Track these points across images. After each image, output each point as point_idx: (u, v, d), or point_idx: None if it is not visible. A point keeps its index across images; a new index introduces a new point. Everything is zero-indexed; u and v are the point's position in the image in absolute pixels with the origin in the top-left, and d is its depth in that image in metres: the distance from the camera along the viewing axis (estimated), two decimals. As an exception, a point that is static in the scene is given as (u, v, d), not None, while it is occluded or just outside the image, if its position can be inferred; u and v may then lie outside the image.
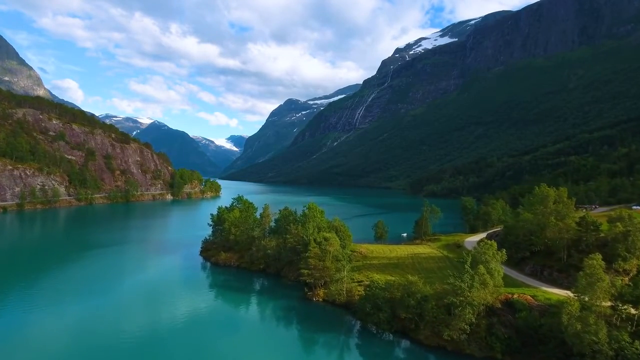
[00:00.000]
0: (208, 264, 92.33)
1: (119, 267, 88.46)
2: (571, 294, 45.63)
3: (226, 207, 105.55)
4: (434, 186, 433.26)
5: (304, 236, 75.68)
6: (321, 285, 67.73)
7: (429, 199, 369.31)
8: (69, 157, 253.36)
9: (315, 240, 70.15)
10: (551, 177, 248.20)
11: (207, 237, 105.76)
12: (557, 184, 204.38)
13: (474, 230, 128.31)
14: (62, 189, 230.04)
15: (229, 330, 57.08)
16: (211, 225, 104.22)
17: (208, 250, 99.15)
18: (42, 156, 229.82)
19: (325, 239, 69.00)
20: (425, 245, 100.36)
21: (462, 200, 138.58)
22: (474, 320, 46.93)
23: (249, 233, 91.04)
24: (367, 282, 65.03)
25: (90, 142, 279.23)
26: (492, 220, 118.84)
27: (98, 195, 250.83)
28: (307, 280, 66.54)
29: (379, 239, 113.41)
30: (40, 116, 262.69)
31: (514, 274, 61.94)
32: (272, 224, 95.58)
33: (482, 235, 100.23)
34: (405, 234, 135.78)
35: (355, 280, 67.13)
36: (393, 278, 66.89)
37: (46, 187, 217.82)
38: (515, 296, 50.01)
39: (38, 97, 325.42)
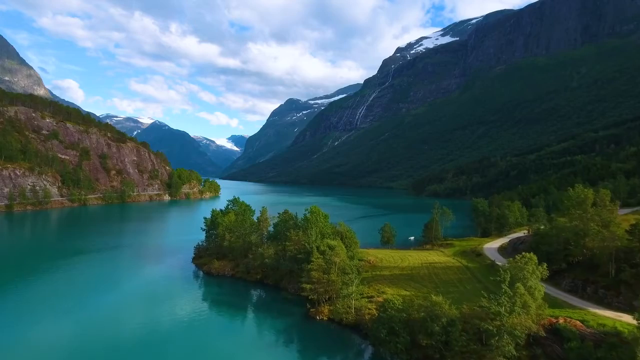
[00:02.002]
0: (200, 272, 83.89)
1: (101, 277, 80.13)
2: (633, 320, 37.43)
3: (221, 210, 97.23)
4: (436, 186, 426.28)
5: (306, 244, 67.34)
6: (325, 301, 59.31)
7: (432, 199, 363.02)
8: (63, 156, 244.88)
9: (318, 248, 61.83)
10: (559, 176, 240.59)
11: (200, 243, 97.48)
12: (568, 183, 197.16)
13: (486, 234, 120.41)
14: (54, 190, 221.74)
15: (219, 353, 49.08)
16: (204, 229, 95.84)
17: (201, 257, 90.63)
18: (34, 155, 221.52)
19: (330, 248, 60.62)
20: (437, 251, 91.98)
21: (473, 202, 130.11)
22: (514, 353, 38.55)
23: (244, 239, 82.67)
24: (378, 298, 56.78)
25: (85, 141, 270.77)
26: (509, 223, 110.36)
27: (92, 196, 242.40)
28: (310, 297, 57.92)
29: (385, 243, 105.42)
30: (33, 114, 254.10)
31: (551, 290, 53.16)
32: (271, 228, 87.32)
33: (502, 240, 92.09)
34: (412, 237, 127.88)
35: (365, 295, 58.61)
36: (408, 292, 58.74)
37: (37, 187, 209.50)
38: (560, 321, 41.67)
39: (31, 95, 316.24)
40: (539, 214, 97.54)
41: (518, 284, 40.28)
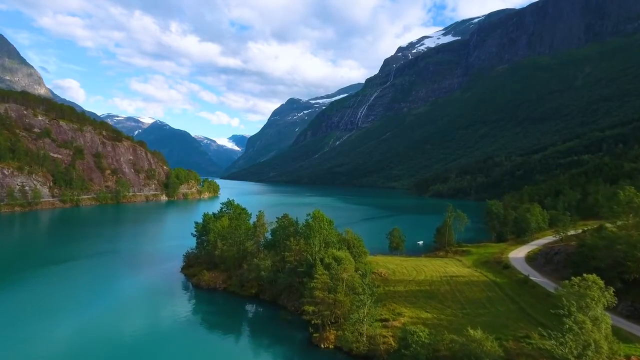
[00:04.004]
0: (189, 284, 74.81)
1: (77, 290, 71.22)
2: None
3: (213, 214, 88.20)
4: (439, 186, 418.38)
5: (308, 255, 58.35)
6: (331, 324, 50.16)
7: (435, 199, 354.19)
8: (55, 155, 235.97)
9: (322, 261, 52.82)
10: (568, 176, 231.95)
11: (191, 250, 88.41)
12: (579, 183, 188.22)
13: (501, 239, 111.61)
14: (44, 190, 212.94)
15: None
16: (195, 235, 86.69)
17: (191, 266, 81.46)
18: (23, 154, 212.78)
19: (337, 261, 51.52)
20: (454, 259, 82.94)
21: (487, 204, 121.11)
22: (586, 411, 29.70)
23: (239, 247, 73.59)
24: (394, 322, 47.78)
25: (79, 139, 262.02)
26: (531, 228, 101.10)
27: (86, 197, 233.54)
28: (314, 321, 48.62)
29: (394, 249, 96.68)
30: (25, 112, 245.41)
31: (606, 316, 44.30)
32: (268, 234, 78.11)
33: (525, 248, 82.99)
34: (421, 242, 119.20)
35: (378, 316, 49.22)
36: (429, 315, 49.78)
37: (26, 187, 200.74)
38: (637, 364, 32.92)
39: (24, 92, 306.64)
40: (565, 218, 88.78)
41: (582, 317, 31.37)
